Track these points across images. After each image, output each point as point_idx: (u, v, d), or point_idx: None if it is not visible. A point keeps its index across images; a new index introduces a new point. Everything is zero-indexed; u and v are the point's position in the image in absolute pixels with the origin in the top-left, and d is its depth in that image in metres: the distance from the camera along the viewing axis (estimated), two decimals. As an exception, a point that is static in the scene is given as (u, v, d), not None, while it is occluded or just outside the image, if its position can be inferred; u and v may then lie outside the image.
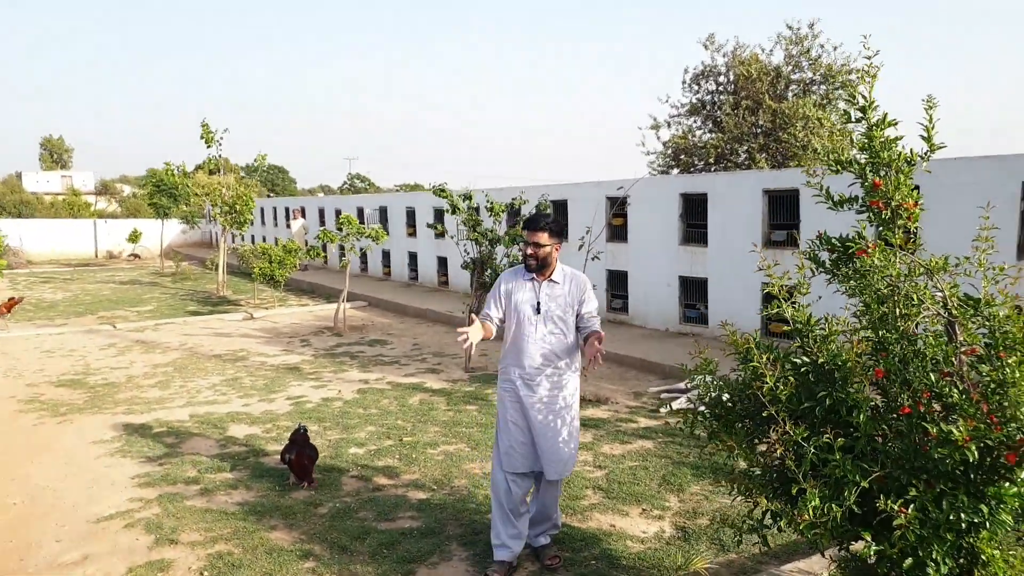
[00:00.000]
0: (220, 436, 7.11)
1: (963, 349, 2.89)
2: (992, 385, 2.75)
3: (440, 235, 16.64)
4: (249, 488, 5.77)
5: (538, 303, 4.32)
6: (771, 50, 20.30)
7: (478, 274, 10.11)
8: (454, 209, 9.81)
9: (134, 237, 30.96)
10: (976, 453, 2.60)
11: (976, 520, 2.71)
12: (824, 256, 3.50)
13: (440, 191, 9.89)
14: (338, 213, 24.18)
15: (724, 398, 3.45)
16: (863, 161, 3.39)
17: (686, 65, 21.41)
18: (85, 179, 71.62)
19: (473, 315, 9.85)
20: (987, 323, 2.91)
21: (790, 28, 19.78)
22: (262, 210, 30.45)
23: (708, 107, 20.87)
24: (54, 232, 34.57)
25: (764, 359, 3.23)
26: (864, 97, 3.26)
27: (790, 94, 19.84)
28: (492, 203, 9.85)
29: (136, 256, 33.38)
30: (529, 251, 4.30)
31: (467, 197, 9.77)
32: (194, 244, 37.59)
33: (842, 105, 19.46)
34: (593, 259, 9.07)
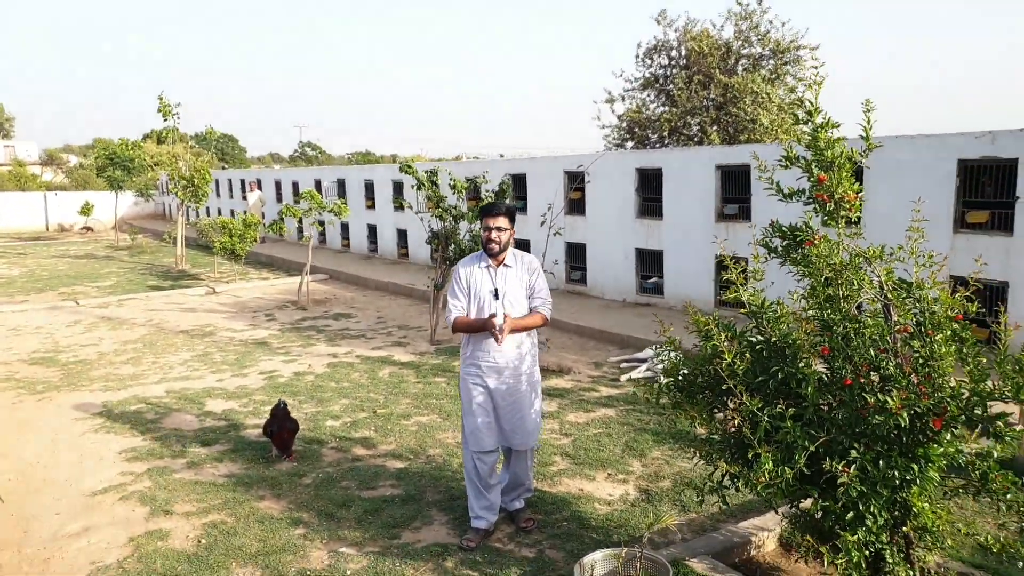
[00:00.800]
0: (199, 411, 7.31)
1: (897, 328, 3.28)
2: (921, 359, 3.15)
3: (400, 208, 16.70)
4: (234, 461, 6.01)
5: (495, 289, 4.60)
6: (722, 25, 20.74)
7: (442, 248, 10.36)
8: (420, 185, 10.01)
9: (86, 210, 30.31)
10: (907, 419, 3.00)
11: (908, 477, 3.11)
12: (776, 242, 3.86)
13: (407, 167, 10.07)
14: (295, 185, 24.07)
15: (685, 372, 3.81)
16: (809, 158, 3.73)
17: (639, 40, 21.68)
18: (28, 149, 69.24)
19: (437, 289, 10.09)
20: (918, 304, 3.30)
21: (740, 4, 20.19)
22: (217, 182, 30.03)
23: (661, 81, 21.23)
24: (3, 205, 33.66)
25: (723, 337, 3.59)
26: (811, 103, 3.59)
27: (740, 68, 20.29)
28: (455, 181, 10.07)
29: (89, 229, 32.72)
30: (492, 235, 4.56)
31: (433, 174, 9.98)
32: (147, 216, 36.93)
33: (790, 80, 20.04)
34: (555, 234, 9.39)
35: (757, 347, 3.53)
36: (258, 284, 16.30)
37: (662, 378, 3.97)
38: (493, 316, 4.44)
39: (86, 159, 60.24)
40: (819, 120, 3.65)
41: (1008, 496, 3.16)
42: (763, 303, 3.62)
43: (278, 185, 25.48)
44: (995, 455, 3.16)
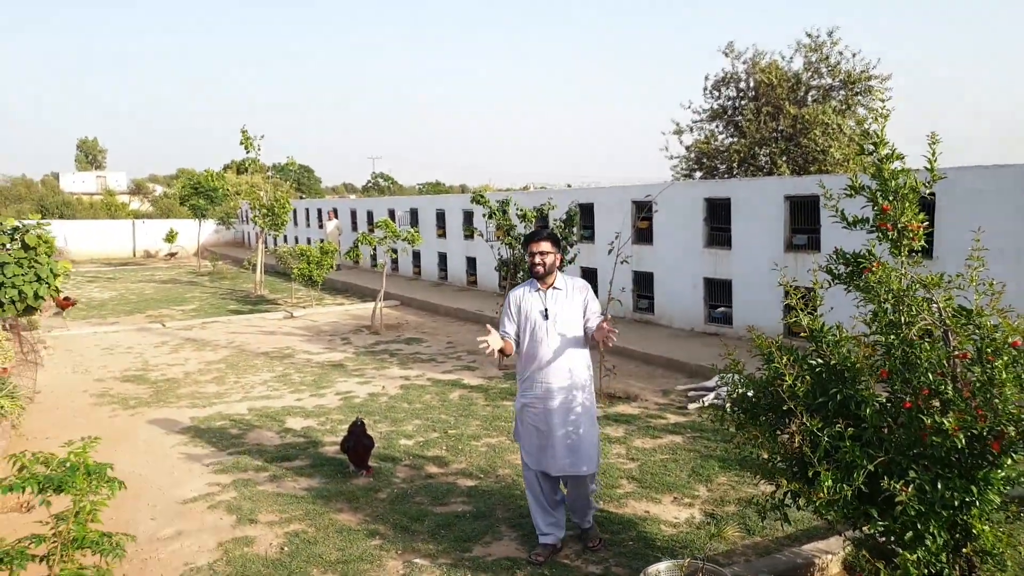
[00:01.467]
0: (279, 428, 7.70)
1: (956, 353, 3.36)
2: (979, 384, 3.23)
3: (470, 236, 17.11)
4: (313, 476, 6.34)
5: (545, 309, 4.80)
6: (791, 57, 20.68)
7: (511, 275, 10.64)
8: (491, 214, 10.34)
9: (171, 237, 31.87)
10: (964, 441, 3.08)
11: (967, 499, 3.18)
12: (840, 269, 3.98)
13: (479, 197, 10.43)
14: (370, 214, 24.84)
15: (749, 394, 3.94)
16: (874, 188, 3.86)
17: (707, 72, 21.81)
18: (118, 179, 73.23)
19: (489, 325, 10.40)
20: (977, 331, 3.38)
21: (809, 36, 20.14)
22: (296, 211, 31.18)
23: (729, 112, 21.27)
24: (95, 232, 35.63)
25: (784, 360, 3.72)
26: (877, 135, 3.73)
27: (810, 99, 20.17)
28: (524, 210, 10.37)
29: (173, 255, 34.29)
30: (536, 260, 4.79)
31: (504, 204, 10.30)
32: (227, 243, 38.49)
33: (861, 111, 19.81)
34: (622, 263, 9.56)
35: (817, 370, 3.65)
36: (333, 309, 16.87)
37: (727, 403, 4.10)
38: (490, 331, 4.65)
39: (170, 188, 63.21)
40: (884, 152, 3.78)
41: (1072, 522, 3.19)
42: (823, 327, 3.74)
43: (354, 214, 26.32)
44: (1058, 480, 3.20)
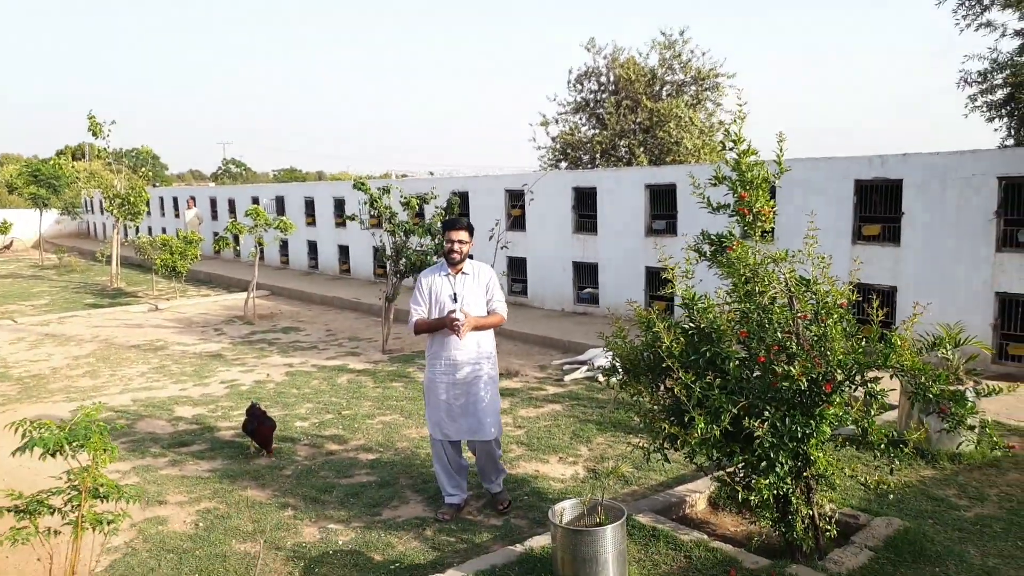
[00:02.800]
0: (169, 417, 7.72)
1: (799, 315, 4.10)
2: (816, 338, 3.97)
3: (343, 224, 17.20)
4: (214, 459, 6.49)
5: (454, 292, 5.25)
6: (647, 54, 21.99)
7: (393, 262, 10.94)
8: (372, 202, 10.60)
9: (4, 228, 29.58)
10: (805, 384, 3.81)
11: (807, 431, 3.91)
12: (705, 248, 4.66)
13: (360, 184, 10.65)
14: (231, 202, 24.20)
15: (631, 356, 4.56)
16: (734, 178, 4.55)
17: (570, 66, 22.79)
18: (-68, 164, 66.36)
19: (389, 301, 10.64)
20: (814, 296, 4.13)
21: (663, 34, 21.52)
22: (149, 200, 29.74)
23: (592, 105, 22.35)
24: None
25: (662, 325, 4.35)
26: (735, 134, 4.41)
27: (664, 94, 21.56)
28: (408, 198, 10.71)
29: (7, 247, 31.87)
30: (454, 247, 5.20)
31: (385, 191, 10.59)
32: (70, 235, 36.11)
33: (710, 105, 21.43)
34: (503, 248, 10.10)
35: (689, 332, 4.30)
36: (200, 301, 16.50)
37: (601, 376, 4.70)
38: (452, 312, 5.08)
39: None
40: (742, 147, 4.48)
41: (882, 446, 4.00)
42: (694, 296, 4.40)
43: (213, 203, 25.52)
44: (872, 413, 4.00)
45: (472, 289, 5.24)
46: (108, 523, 3.30)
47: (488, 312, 5.28)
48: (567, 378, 8.93)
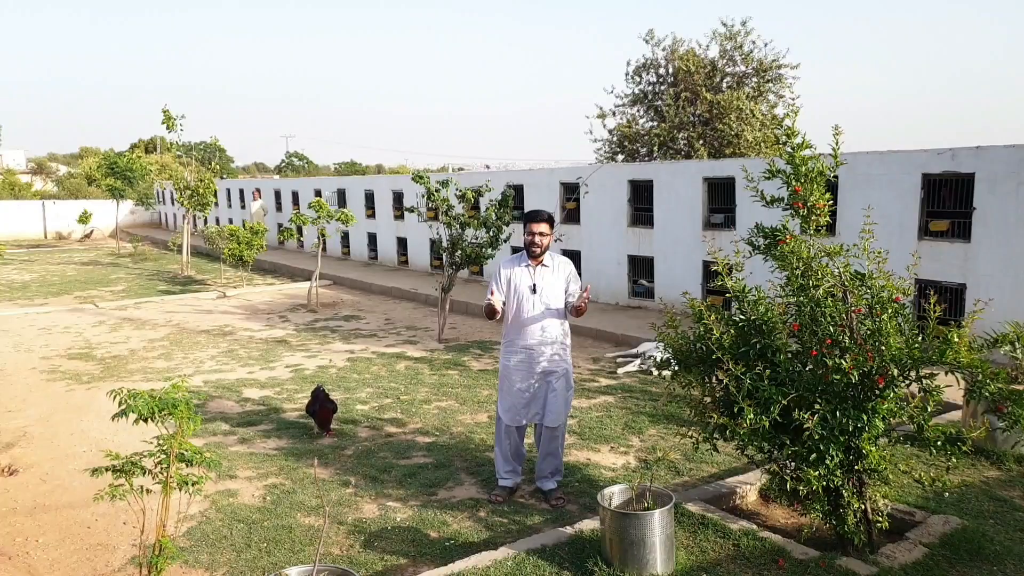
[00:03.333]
0: (238, 398, 8.07)
1: (853, 309, 4.13)
2: (869, 333, 4.00)
3: (400, 216, 17.52)
4: (280, 438, 6.78)
5: (534, 284, 5.38)
6: (707, 45, 21.78)
7: (449, 254, 11.15)
8: (429, 195, 10.82)
9: (84, 218, 30.97)
10: (857, 377, 3.84)
11: (859, 425, 3.94)
12: (760, 241, 4.71)
13: (419, 177, 10.88)
14: (295, 195, 24.83)
15: (683, 347, 4.64)
16: (788, 172, 4.59)
17: (628, 58, 22.73)
18: (15, 157, 69.53)
19: (445, 292, 10.85)
20: (869, 291, 4.15)
21: (724, 25, 21.26)
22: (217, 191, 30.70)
23: (650, 97, 22.25)
24: (2, 214, 34.16)
25: (712, 317, 4.43)
26: (789, 128, 4.45)
27: (724, 86, 21.33)
28: (464, 191, 10.91)
29: (87, 236, 33.29)
30: (535, 239, 5.32)
31: (443, 184, 10.80)
32: (142, 225, 37.50)
33: (771, 97, 21.11)
34: (557, 240, 10.20)
35: (740, 325, 4.37)
36: (265, 289, 17.03)
37: (654, 370, 4.78)
38: (491, 296, 5.22)
39: (74, 168, 60.72)
40: (796, 141, 4.51)
41: (939, 443, 4.00)
42: (744, 288, 4.46)
43: (278, 195, 26.21)
44: (928, 410, 4.01)
45: (551, 281, 5.35)
46: (192, 484, 3.59)
47: (566, 305, 5.40)
48: (620, 371, 9.00)
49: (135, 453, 3.64)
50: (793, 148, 4.54)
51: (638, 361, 9.20)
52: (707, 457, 6.09)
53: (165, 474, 3.50)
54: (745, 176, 4.94)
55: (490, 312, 5.30)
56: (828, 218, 4.59)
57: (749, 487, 5.21)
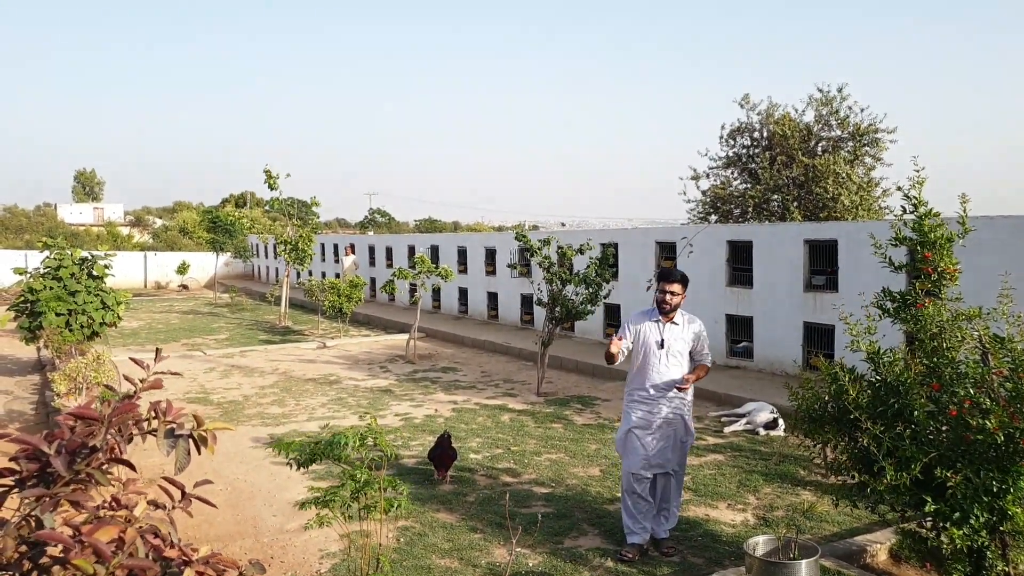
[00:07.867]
0: (355, 444, 8.43)
1: (994, 371, 4.20)
2: (1012, 395, 4.07)
3: (493, 270, 17.89)
4: (403, 483, 7.07)
5: (662, 340, 5.60)
6: (803, 110, 21.91)
7: (549, 310, 11.44)
8: (533, 252, 11.20)
9: (182, 269, 32.65)
10: (1003, 438, 3.91)
11: (1004, 487, 3.99)
12: (888, 304, 4.84)
13: (521, 236, 11.29)
14: (388, 250, 25.71)
15: (816, 407, 4.77)
16: (915, 239, 4.74)
17: (723, 122, 22.88)
18: (115, 211, 74.05)
19: (544, 346, 11.09)
20: (1010, 354, 4.23)
21: (820, 91, 21.39)
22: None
23: (744, 160, 22.43)
24: (112, 264, 36.31)
25: (848, 378, 4.55)
26: (915, 198, 4.62)
27: (819, 149, 21.34)
28: (565, 249, 11.25)
29: (184, 287, 35.02)
30: (666, 297, 5.58)
31: (546, 242, 11.17)
32: (235, 276, 39.23)
33: (868, 161, 21.00)
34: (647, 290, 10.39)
35: (876, 385, 4.48)
36: (362, 340, 17.64)
37: (761, 430, 4.90)
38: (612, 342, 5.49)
39: (169, 221, 64.12)
40: (923, 210, 4.67)
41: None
42: (879, 350, 4.58)
43: (372, 250, 27.18)
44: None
45: (679, 337, 5.58)
46: (397, 506, 4.42)
47: (696, 364, 5.63)
48: (727, 430, 9.04)
49: (331, 486, 3.96)
50: (920, 216, 4.71)
51: (744, 420, 9.22)
52: (827, 516, 6.11)
53: (378, 495, 3.85)
54: (873, 243, 5.10)
55: (609, 356, 5.55)
56: (958, 282, 4.71)
57: (879, 546, 5.22)
